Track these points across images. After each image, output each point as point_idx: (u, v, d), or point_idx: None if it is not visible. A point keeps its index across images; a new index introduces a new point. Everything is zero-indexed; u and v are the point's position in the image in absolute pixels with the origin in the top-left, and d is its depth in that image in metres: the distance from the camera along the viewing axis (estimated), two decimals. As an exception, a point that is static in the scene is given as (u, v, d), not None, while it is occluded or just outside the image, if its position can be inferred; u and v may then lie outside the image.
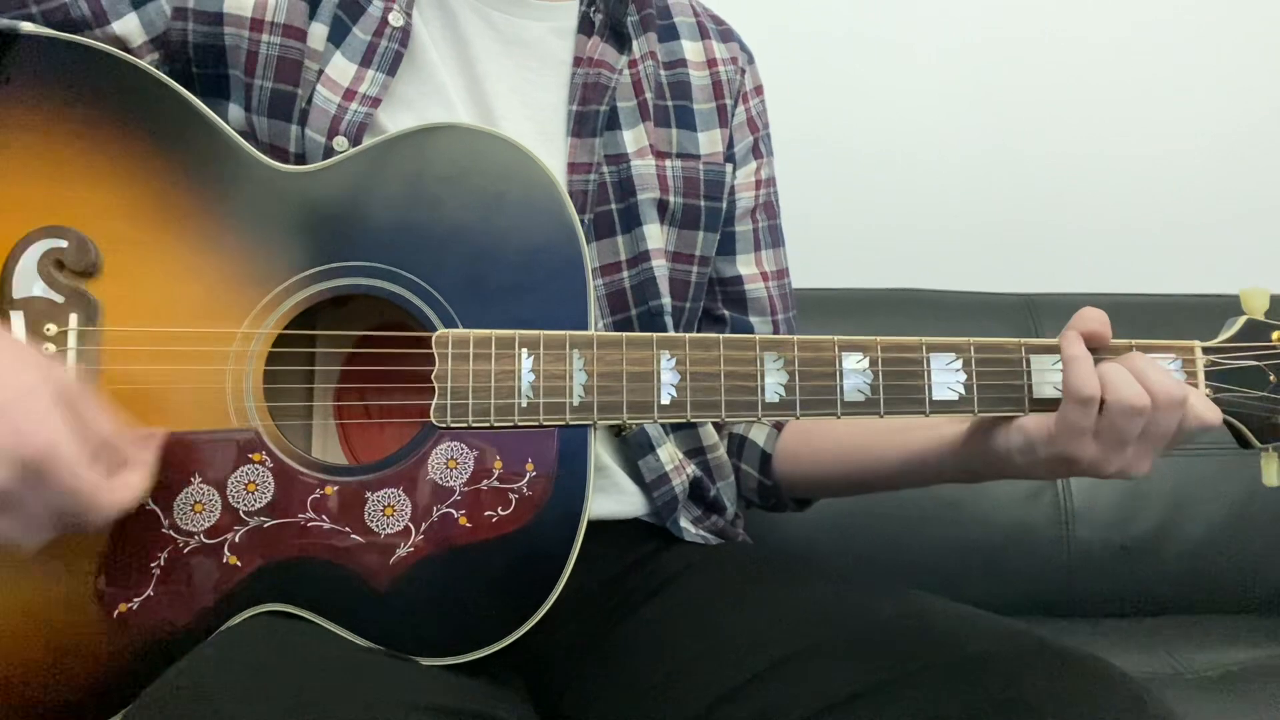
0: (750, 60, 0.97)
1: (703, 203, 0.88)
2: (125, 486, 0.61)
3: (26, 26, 0.70)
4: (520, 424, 0.69)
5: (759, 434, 0.92)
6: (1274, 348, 0.74)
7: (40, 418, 0.57)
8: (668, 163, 0.87)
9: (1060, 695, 0.60)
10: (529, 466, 0.69)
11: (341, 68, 0.78)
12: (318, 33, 0.79)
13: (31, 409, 0.57)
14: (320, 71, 0.78)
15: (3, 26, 0.69)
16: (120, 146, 0.69)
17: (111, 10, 0.76)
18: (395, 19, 0.80)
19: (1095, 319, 0.71)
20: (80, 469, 0.58)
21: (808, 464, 0.89)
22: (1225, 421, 0.74)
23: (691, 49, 0.92)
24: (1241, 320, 0.75)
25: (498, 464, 0.68)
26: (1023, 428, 0.71)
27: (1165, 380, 0.68)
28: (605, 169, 0.84)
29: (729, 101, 0.92)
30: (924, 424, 0.79)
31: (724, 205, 0.90)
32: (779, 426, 0.92)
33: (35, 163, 0.68)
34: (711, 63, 0.93)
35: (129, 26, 0.76)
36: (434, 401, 0.68)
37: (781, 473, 0.91)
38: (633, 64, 0.87)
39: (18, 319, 0.66)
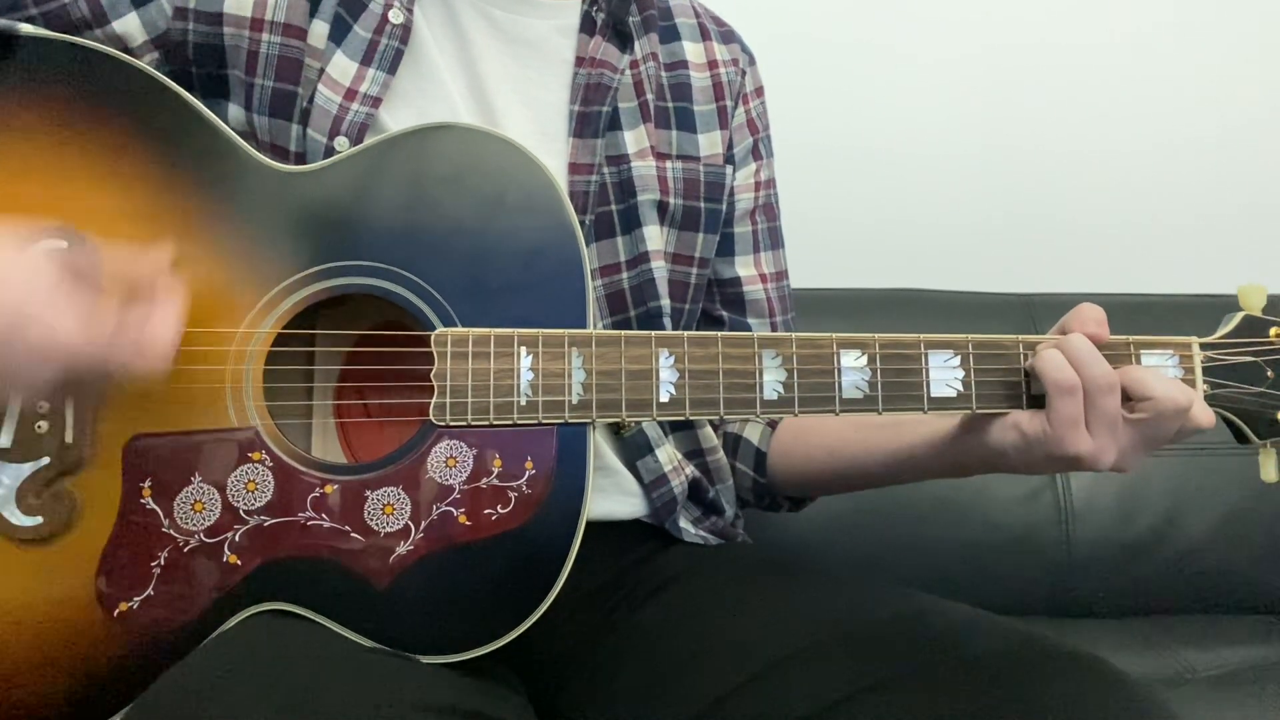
0: (751, 62, 0.97)
1: (702, 204, 0.88)
2: (153, 343, 0.61)
3: (25, 28, 0.70)
4: (519, 422, 0.69)
5: (753, 432, 0.92)
6: (1272, 343, 0.74)
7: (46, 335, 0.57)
8: (668, 164, 0.87)
9: (1060, 695, 0.60)
10: (528, 465, 0.69)
11: (343, 67, 0.78)
12: (319, 31, 0.79)
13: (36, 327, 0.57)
14: (321, 70, 0.78)
15: (1, 27, 0.69)
16: (119, 147, 0.69)
17: (112, 10, 0.76)
18: (395, 16, 0.80)
19: (1093, 317, 0.71)
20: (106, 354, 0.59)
21: (801, 461, 0.89)
22: (1223, 417, 0.74)
23: (693, 50, 0.92)
24: (1239, 316, 0.75)
25: (497, 462, 0.68)
26: (1018, 426, 0.71)
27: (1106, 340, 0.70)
28: (606, 170, 0.84)
29: (729, 103, 0.92)
30: (916, 421, 0.79)
31: (724, 207, 0.90)
32: (773, 425, 0.92)
33: (34, 164, 0.68)
34: (712, 64, 0.93)
35: (129, 26, 0.76)
36: (433, 400, 0.68)
37: (775, 470, 0.91)
38: (634, 65, 0.87)
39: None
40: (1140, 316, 0.97)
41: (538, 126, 0.83)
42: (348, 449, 0.76)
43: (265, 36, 0.78)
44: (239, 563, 0.66)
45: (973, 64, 1.49)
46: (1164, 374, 0.71)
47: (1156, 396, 0.68)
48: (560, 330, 0.70)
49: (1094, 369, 0.68)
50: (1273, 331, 0.75)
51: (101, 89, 0.69)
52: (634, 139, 0.85)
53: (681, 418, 0.71)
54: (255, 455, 0.67)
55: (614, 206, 0.84)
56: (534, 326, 0.70)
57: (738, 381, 0.71)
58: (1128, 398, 0.69)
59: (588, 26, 0.86)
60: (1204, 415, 0.70)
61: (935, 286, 1.38)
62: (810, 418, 0.87)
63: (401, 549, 0.67)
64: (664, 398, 0.70)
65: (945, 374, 0.72)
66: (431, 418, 0.68)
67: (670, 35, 0.92)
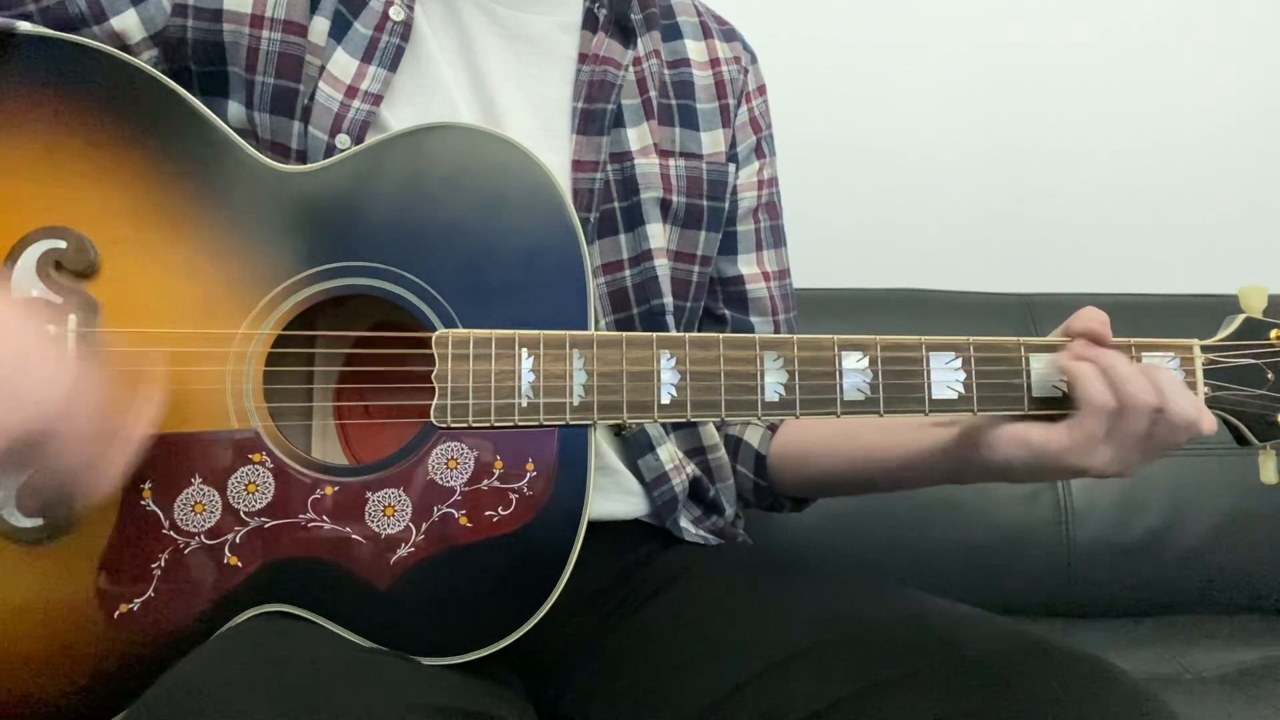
0: (753, 60, 0.97)
1: (705, 202, 0.88)
2: (106, 476, 0.61)
3: (24, 26, 0.70)
4: (520, 424, 0.69)
5: (753, 435, 0.92)
6: (1273, 345, 0.74)
7: (45, 393, 0.57)
8: (671, 162, 0.87)
9: (1060, 695, 0.60)
10: (529, 466, 0.68)
11: (343, 64, 0.78)
12: (319, 27, 0.78)
13: (39, 382, 0.57)
14: (322, 68, 0.78)
15: (0, 25, 0.69)
16: (119, 146, 0.69)
17: (110, 7, 0.75)
18: (396, 13, 0.79)
19: (1095, 319, 0.71)
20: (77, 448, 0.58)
21: (801, 465, 0.89)
22: (1223, 419, 0.74)
23: (695, 48, 0.92)
24: (1240, 318, 0.75)
25: (498, 464, 0.68)
26: (1028, 442, 0.69)
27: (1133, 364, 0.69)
28: (609, 167, 0.84)
29: (732, 101, 0.92)
30: (918, 427, 0.79)
31: (726, 205, 0.90)
32: (773, 428, 0.92)
33: (33, 163, 0.68)
34: (715, 62, 0.92)
35: (128, 23, 0.76)
36: (434, 402, 0.68)
37: (776, 474, 0.91)
38: (637, 62, 0.87)
39: (17, 320, 0.66)
40: (1140, 316, 0.96)
41: (541, 124, 0.83)
42: (348, 450, 0.76)
43: (265, 33, 0.78)
44: (239, 564, 0.66)
45: (973, 64, 1.49)
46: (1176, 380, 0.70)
47: (1169, 410, 0.67)
48: (561, 332, 0.70)
49: (1136, 393, 0.66)
50: (1273, 334, 0.75)
51: (99, 87, 0.69)
52: (637, 136, 0.85)
53: (683, 419, 0.71)
54: (255, 457, 0.67)
55: (617, 204, 0.84)
56: (535, 327, 0.69)
57: (739, 383, 0.71)
58: None
59: (590, 23, 0.86)
60: (1207, 422, 0.70)
61: (935, 286, 1.38)
62: (810, 422, 0.87)
63: (402, 550, 0.67)
64: (665, 399, 0.70)
65: (946, 376, 0.72)
66: (432, 419, 0.68)
67: (672, 33, 0.92)
